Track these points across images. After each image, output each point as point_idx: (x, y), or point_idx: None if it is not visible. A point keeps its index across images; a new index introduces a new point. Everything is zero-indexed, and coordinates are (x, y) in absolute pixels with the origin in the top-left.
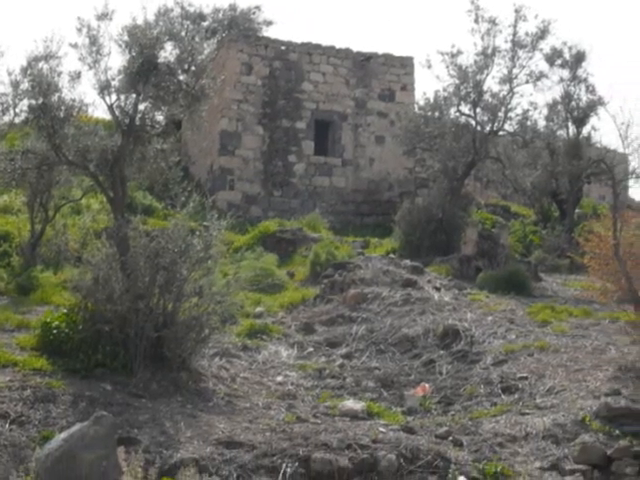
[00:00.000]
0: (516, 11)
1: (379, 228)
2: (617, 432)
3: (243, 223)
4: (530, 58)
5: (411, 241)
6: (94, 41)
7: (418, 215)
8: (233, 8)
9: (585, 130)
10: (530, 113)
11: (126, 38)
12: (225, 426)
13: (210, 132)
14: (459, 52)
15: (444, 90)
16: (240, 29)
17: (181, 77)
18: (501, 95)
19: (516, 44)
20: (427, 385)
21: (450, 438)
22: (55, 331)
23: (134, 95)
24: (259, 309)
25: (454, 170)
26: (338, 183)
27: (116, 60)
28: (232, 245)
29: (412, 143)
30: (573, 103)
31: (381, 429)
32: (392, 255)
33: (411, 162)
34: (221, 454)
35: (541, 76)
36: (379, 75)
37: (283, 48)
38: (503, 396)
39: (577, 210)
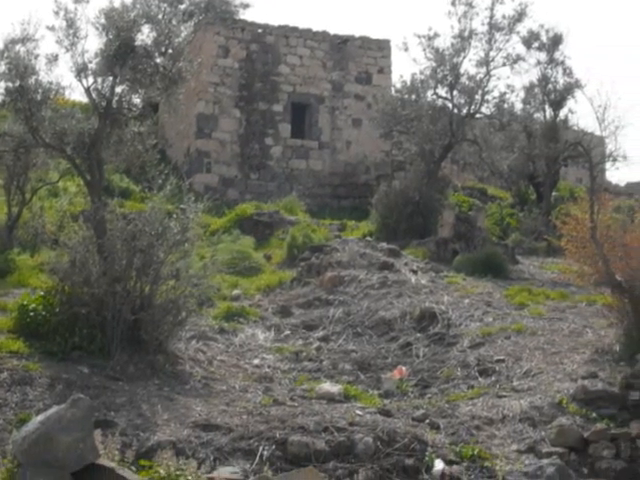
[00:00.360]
0: None
1: (356, 211)
2: (594, 415)
3: (220, 206)
4: (507, 41)
5: (388, 224)
6: (71, 24)
7: (395, 198)
8: None
9: (562, 113)
10: (507, 96)
11: (103, 21)
12: (202, 409)
13: (187, 115)
14: (436, 35)
15: (421, 73)
16: (217, 12)
17: (158, 60)
18: (478, 78)
19: (493, 27)
20: (404, 368)
21: (427, 421)
22: (32, 314)
23: (111, 78)
24: (236, 292)
25: (431, 153)
26: (315, 166)
27: (93, 43)
28: (209, 228)
29: (389, 126)
30: (550, 86)
31: (358, 412)
32: (369, 238)
33: (388, 145)
34: (198, 437)
35: (518, 59)
36: (356, 58)
37: (260, 31)
38: (480, 379)
39: (554, 193)
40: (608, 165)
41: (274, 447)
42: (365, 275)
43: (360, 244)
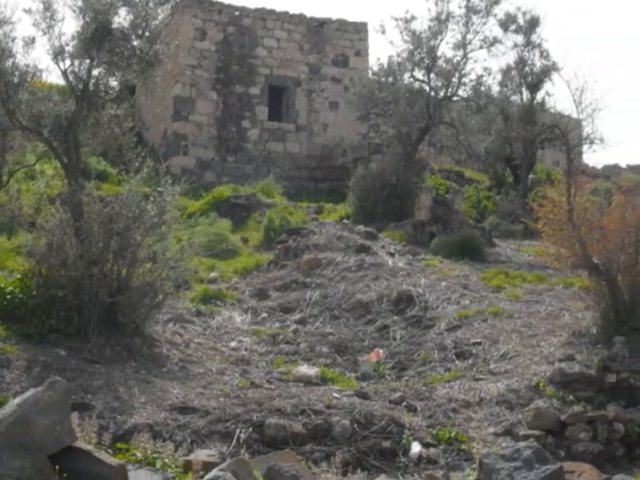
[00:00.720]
0: None
1: (333, 194)
2: (571, 397)
3: (197, 188)
4: (484, 24)
5: (365, 207)
6: (48, 7)
7: (372, 181)
8: None
9: (539, 96)
10: (484, 79)
11: (80, 4)
12: (179, 391)
13: (164, 98)
14: (413, 18)
15: (398, 56)
16: None
17: (135, 43)
18: (455, 61)
19: (470, 9)
20: (381, 351)
21: (404, 403)
22: (9, 296)
23: (88, 61)
24: (213, 275)
25: (408, 136)
26: (292, 149)
27: (70, 26)
28: (186, 210)
29: (366, 109)
30: (527, 69)
31: (335, 395)
32: (346, 221)
33: (365, 128)
34: (175, 419)
35: (495, 42)
36: (333, 41)
37: (237, 13)
38: (457, 362)
39: (531, 175)
40: (585, 148)
41: (251, 430)
42: (342, 258)
43: (337, 227)
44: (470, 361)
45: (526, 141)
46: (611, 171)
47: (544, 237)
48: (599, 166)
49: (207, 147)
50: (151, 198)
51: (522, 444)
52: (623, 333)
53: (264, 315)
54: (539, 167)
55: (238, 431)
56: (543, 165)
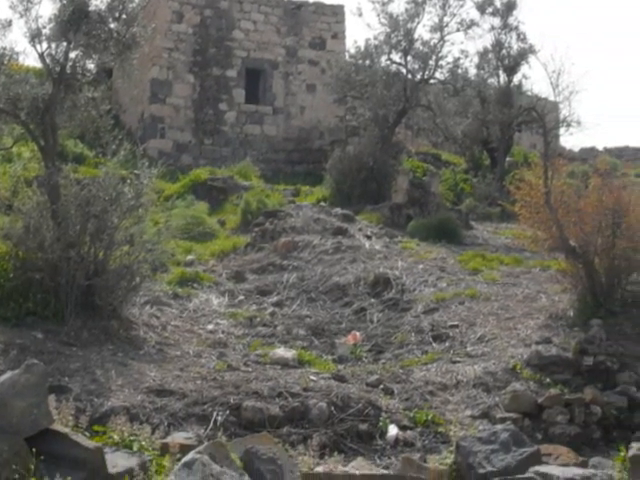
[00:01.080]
0: None
1: (310, 176)
2: (548, 380)
3: (174, 171)
4: (461, 6)
5: (342, 189)
6: None
7: (349, 163)
8: None
9: (516, 78)
10: (461, 61)
11: None
12: (156, 374)
13: (141, 80)
14: (390, 0)
15: (375, 38)
16: None
17: (112, 25)
18: (432, 43)
19: None
20: (358, 333)
21: (381, 386)
22: None
23: (65, 43)
24: (190, 257)
25: (385, 118)
26: (269, 131)
27: (47, 8)
28: (163, 193)
29: (343, 91)
30: (504, 51)
31: (312, 377)
32: (323, 203)
33: (342, 110)
34: (152, 402)
35: (472, 24)
36: (310, 23)
37: None
38: (434, 344)
39: (508, 158)
40: (562, 130)
41: (228, 412)
42: (319, 240)
43: (314, 209)
44: (447, 344)
45: (503, 124)
46: (588, 154)
47: (521, 220)
48: (576, 149)
49: (184, 130)
50: (128, 181)
51: (499, 427)
52: (600, 316)
53: (241, 298)
54: (516, 150)
55: (215, 414)
56: (520, 148)
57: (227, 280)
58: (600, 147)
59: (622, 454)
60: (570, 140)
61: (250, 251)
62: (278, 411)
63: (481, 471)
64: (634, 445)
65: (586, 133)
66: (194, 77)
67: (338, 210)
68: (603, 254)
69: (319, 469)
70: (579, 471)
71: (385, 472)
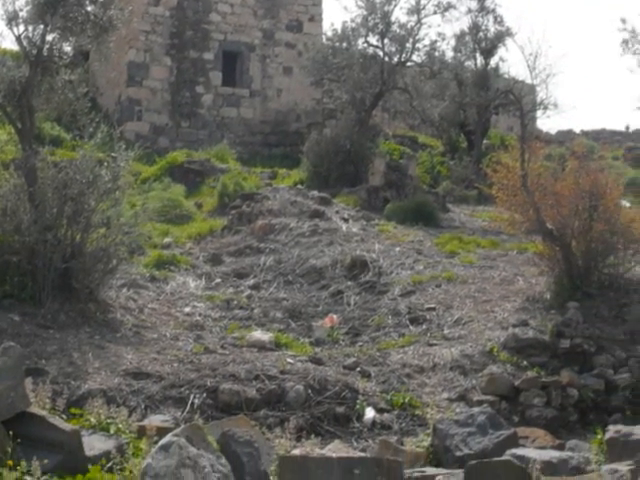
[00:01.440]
0: None
1: (287, 159)
2: (525, 363)
3: (151, 154)
4: None
5: (319, 172)
6: None
7: (326, 146)
8: None
9: (493, 61)
10: (438, 44)
11: None
12: (133, 357)
13: (118, 63)
14: None
15: (352, 21)
16: None
17: (89, 8)
18: (409, 26)
19: None
20: (335, 316)
21: (358, 369)
22: None
23: (42, 26)
24: (167, 240)
25: (362, 101)
26: (246, 114)
27: None
28: (140, 176)
29: (320, 74)
30: (481, 34)
31: (289, 360)
32: (300, 186)
33: (319, 93)
34: (129, 385)
35: (449, 7)
36: (287, 6)
37: None
38: (411, 327)
39: (485, 141)
40: (539, 113)
41: (205, 395)
42: (296, 223)
43: (291, 192)
44: (424, 326)
45: (480, 106)
46: (565, 136)
47: (498, 202)
48: (553, 131)
49: (161, 112)
50: (105, 163)
51: (476, 410)
52: (577, 299)
53: (218, 280)
54: (493, 132)
55: (192, 396)
56: (497, 130)
57: (204, 263)
58: (577, 130)
59: (599, 437)
60: (547, 123)
61: (227, 234)
62: (255, 394)
63: (458, 454)
64: (611, 428)
65: (563, 116)
66: (171, 60)
67: (315, 193)
68: (580, 237)
69: (296, 452)
70: (556, 454)
71: (362, 455)
